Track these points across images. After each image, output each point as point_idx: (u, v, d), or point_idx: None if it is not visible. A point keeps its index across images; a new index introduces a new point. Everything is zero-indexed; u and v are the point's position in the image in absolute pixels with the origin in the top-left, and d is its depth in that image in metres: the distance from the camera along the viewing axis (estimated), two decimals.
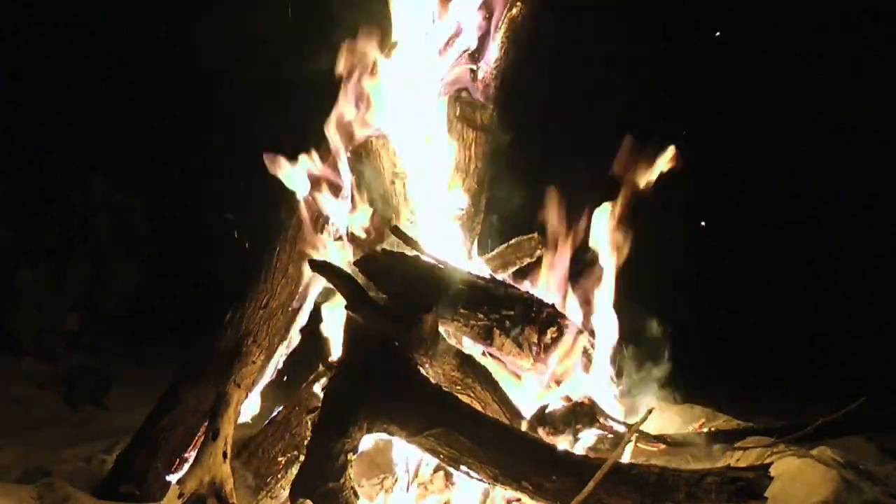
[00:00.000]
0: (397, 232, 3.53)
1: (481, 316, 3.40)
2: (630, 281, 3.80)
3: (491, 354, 3.55)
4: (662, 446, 3.49)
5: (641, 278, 3.79)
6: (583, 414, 3.47)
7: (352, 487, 2.92)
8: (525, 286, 3.69)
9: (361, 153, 3.74)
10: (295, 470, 3.34)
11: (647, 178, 3.74)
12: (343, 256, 3.65)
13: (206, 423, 3.42)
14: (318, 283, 3.75)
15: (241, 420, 3.58)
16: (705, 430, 3.78)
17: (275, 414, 3.65)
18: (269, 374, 3.76)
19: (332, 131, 3.74)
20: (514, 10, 4.03)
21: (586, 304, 3.73)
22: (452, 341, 3.49)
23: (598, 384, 3.66)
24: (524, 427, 3.30)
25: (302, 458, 3.26)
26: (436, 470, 3.45)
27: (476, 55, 4.03)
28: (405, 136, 3.86)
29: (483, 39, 4.03)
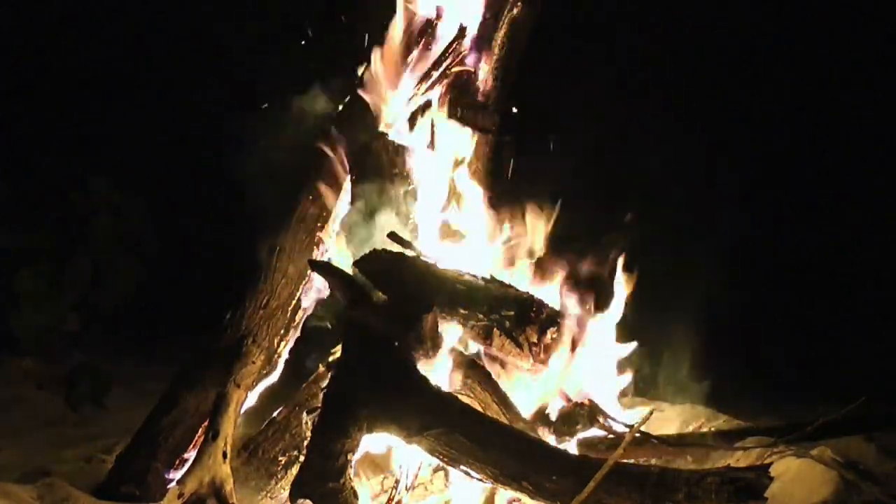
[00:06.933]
0: (394, 236, 3.54)
1: (481, 316, 3.40)
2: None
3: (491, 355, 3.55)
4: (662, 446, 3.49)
5: (642, 279, 3.80)
6: (583, 414, 3.48)
7: (352, 487, 2.92)
8: (525, 286, 3.69)
9: (363, 153, 3.75)
10: (295, 470, 3.34)
11: None
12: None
13: (206, 423, 3.43)
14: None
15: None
16: (705, 430, 3.79)
17: (275, 414, 3.65)
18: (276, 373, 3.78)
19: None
20: (515, 11, 4.04)
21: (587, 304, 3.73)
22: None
23: (599, 384, 3.66)
24: (524, 427, 3.30)
25: (302, 458, 3.26)
26: (436, 470, 3.45)
27: (476, 56, 4.03)
28: (407, 137, 3.87)
29: (483, 40, 4.03)
